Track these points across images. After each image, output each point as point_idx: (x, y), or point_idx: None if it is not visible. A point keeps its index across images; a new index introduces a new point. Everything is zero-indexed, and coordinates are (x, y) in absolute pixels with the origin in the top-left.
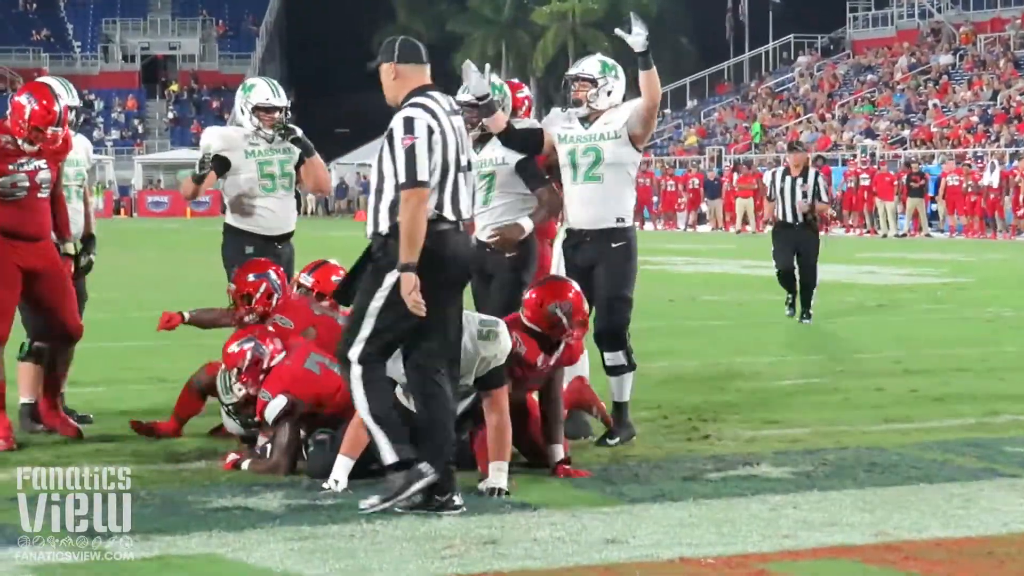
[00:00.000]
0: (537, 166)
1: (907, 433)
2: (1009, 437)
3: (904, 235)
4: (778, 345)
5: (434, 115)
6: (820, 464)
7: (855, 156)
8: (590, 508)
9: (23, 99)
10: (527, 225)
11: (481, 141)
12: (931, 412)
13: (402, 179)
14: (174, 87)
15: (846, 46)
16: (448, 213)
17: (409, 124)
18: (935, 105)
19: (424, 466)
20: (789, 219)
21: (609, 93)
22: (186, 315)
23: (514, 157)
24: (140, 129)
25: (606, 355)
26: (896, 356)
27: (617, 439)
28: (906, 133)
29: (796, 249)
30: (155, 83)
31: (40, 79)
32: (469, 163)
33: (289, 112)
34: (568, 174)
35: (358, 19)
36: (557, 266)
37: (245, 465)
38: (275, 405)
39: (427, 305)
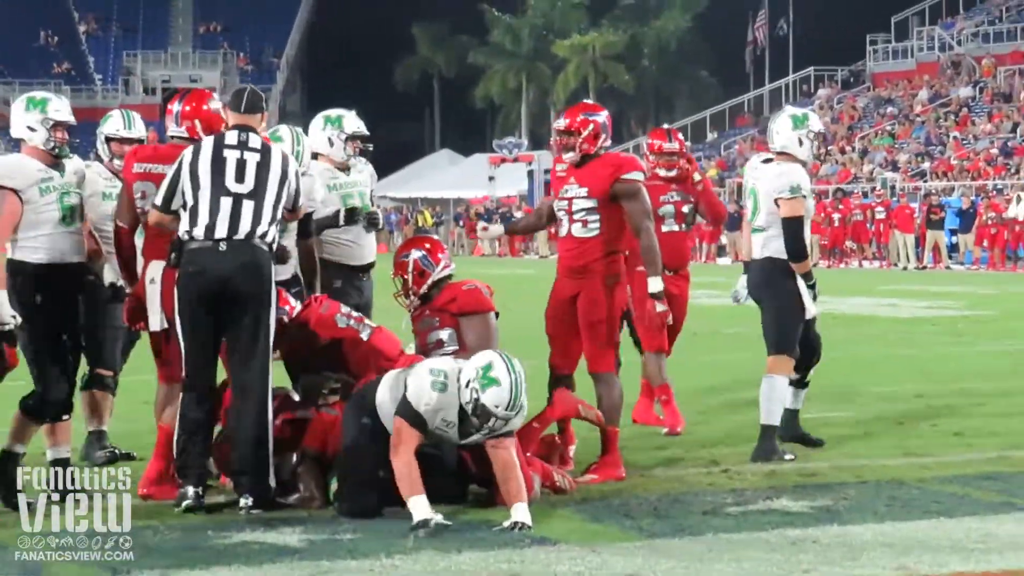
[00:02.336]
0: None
1: (927, 467)
2: None
3: (924, 268)
4: None
5: (197, 150)
6: (840, 498)
7: (874, 188)
8: (610, 542)
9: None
10: None
11: None
12: (951, 446)
13: None
14: None
15: (866, 79)
16: (197, 232)
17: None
18: (955, 138)
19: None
20: None
21: None
22: None
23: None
24: None
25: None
26: (916, 390)
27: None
28: (926, 166)
29: None
30: None
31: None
32: (256, 191)
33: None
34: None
35: (379, 52)
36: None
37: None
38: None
39: (181, 315)
